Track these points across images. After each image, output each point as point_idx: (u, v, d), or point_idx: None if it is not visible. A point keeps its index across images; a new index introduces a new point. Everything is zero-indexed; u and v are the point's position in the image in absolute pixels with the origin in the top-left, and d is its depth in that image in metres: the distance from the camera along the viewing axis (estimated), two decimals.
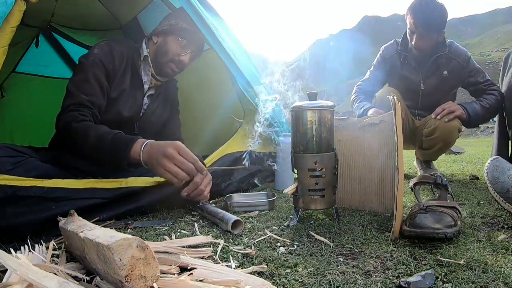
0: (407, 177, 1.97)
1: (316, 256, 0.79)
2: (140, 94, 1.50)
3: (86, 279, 0.64)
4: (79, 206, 1.06)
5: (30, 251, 0.76)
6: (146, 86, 1.52)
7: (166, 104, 1.65)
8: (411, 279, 0.63)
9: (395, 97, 0.98)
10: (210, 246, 0.87)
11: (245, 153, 1.63)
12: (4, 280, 0.59)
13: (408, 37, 1.98)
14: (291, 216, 1.14)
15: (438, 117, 1.81)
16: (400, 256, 0.77)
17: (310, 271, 0.71)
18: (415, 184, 1.14)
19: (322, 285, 0.64)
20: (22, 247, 0.78)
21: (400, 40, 2.07)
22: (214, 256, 0.81)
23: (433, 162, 2.18)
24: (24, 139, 2.34)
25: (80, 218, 0.81)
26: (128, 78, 1.45)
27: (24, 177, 1.01)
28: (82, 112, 1.25)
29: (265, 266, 0.73)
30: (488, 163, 1.17)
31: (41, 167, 1.12)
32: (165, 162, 1.07)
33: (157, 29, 1.52)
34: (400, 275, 0.68)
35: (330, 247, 0.85)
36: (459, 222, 0.91)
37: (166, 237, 0.97)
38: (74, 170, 1.23)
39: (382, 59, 2.16)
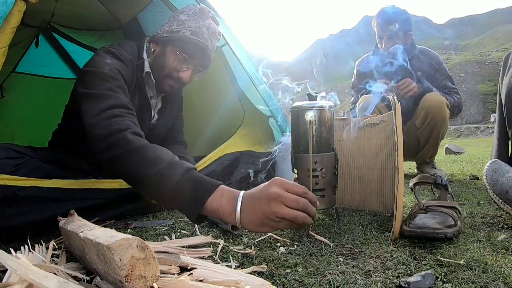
0: (407, 177, 1.98)
1: (316, 256, 0.79)
2: (147, 114, 1.35)
3: (86, 279, 0.64)
4: (79, 206, 1.06)
5: (30, 251, 0.76)
6: (153, 101, 1.36)
7: (172, 109, 1.51)
8: (411, 279, 0.63)
9: (395, 97, 0.98)
10: (210, 246, 0.87)
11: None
12: (4, 280, 0.59)
13: (379, 45, 2.15)
14: None
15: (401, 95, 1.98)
16: (400, 256, 0.77)
17: (310, 271, 0.70)
18: (415, 184, 1.14)
19: (322, 285, 0.64)
20: (22, 247, 0.78)
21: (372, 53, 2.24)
22: (214, 256, 0.81)
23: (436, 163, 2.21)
24: (24, 139, 2.34)
25: (80, 218, 0.81)
26: (137, 95, 1.28)
27: (25, 177, 1.00)
28: (131, 119, 0.98)
29: (265, 266, 0.73)
30: (487, 166, 1.17)
31: (42, 167, 1.12)
32: (276, 211, 0.72)
33: (157, 34, 1.31)
34: (400, 275, 0.68)
35: (330, 247, 0.85)
36: (459, 222, 0.91)
37: (166, 237, 0.97)
38: (75, 170, 1.23)
39: (358, 76, 2.34)
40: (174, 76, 1.28)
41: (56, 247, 0.82)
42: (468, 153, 4.27)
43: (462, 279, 0.64)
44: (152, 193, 0.86)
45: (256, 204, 0.74)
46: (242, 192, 0.77)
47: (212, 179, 0.82)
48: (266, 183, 0.77)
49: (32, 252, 0.75)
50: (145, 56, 1.29)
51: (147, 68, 1.28)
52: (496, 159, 1.20)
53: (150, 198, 0.98)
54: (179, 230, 1.06)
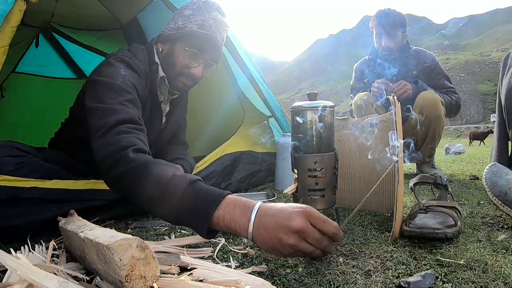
0: (407, 177, 1.98)
1: None
2: (158, 119, 1.34)
3: (86, 279, 0.64)
4: (80, 207, 1.06)
5: (30, 251, 0.76)
6: (163, 106, 1.35)
7: (180, 112, 1.49)
8: (411, 279, 0.63)
9: (395, 97, 0.98)
10: (209, 246, 0.87)
11: None
12: (4, 280, 0.59)
13: (377, 44, 2.20)
14: None
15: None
16: (400, 256, 0.77)
17: (310, 271, 0.70)
18: (415, 184, 1.14)
19: (322, 285, 0.64)
20: (22, 247, 0.78)
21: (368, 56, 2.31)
22: (214, 256, 0.81)
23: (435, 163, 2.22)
24: (24, 139, 2.32)
25: (80, 218, 0.81)
26: (149, 105, 1.26)
27: (25, 178, 1.00)
28: (137, 135, 0.95)
29: (265, 266, 0.73)
30: (487, 169, 1.18)
31: (44, 167, 1.11)
32: (293, 243, 0.67)
33: (163, 33, 1.27)
34: (400, 275, 0.68)
35: None
36: (459, 222, 0.91)
37: (166, 237, 0.97)
38: (76, 171, 1.23)
39: (356, 78, 2.38)
40: (186, 73, 1.24)
41: (56, 247, 0.82)
42: (468, 153, 4.27)
43: (462, 279, 0.64)
44: (160, 212, 0.80)
45: (274, 228, 0.67)
46: (258, 204, 0.71)
47: (219, 189, 0.76)
48: (293, 207, 0.69)
49: (32, 252, 0.75)
50: (157, 60, 1.26)
51: (161, 73, 1.25)
52: (495, 163, 1.20)
53: (160, 218, 0.90)
54: (179, 230, 1.06)
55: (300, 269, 0.72)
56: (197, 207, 0.73)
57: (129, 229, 1.08)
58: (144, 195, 0.80)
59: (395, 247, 0.83)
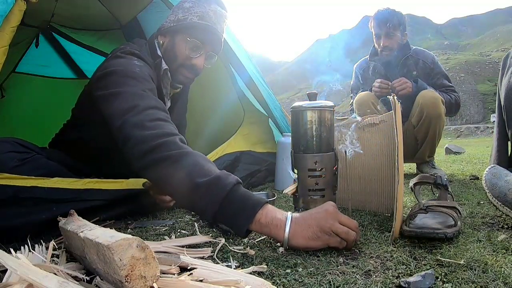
0: (407, 177, 1.98)
1: (317, 256, 0.79)
2: None
3: (86, 279, 0.64)
4: (80, 207, 1.06)
5: (30, 251, 0.76)
6: (166, 99, 1.35)
7: (180, 108, 1.51)
8: (411, 279, 0.63)
9: (395, 97, 0.98)
10: (209, 246, 0.87)
11: None
12: (4, 280, 0.59)
13: (376, 45, 2.21)
14: None
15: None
16: (400, 256, 0.77)
17: (310, 271, 0.70)
18: (415, 184, 1.14)
19: (322, 285, 0.64)
20: (22, 247, 0.78)
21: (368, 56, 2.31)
22: (214, 256, 0.81)
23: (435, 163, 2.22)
24: (24, 139, 2.35)
25: (80, 218, 0.81)
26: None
27: (27, 176, 1.00)
28: (174, 126, 0.93)
29: (265, 266, 0.73)
30: (486, 171, 1.18)
31: (48, 165, 1.12)
32: (330, 240, 0.79)
33: (164, 26, 1.28)
34: (400, 275, 0.68)
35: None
36: (459, 222, 0.91)
37: (166, 237, 0.97)
38: (76, 171, 1.23)
39: (356, 77, 2.39)
40: (187, 64, 1.25)
41: (56, 247, 0.82)
42: (468, 153, 4.27)
43: (462, 279, 0.64)
44: (199, 202, 0.81)
45: (311, 218, 0.79)
46: (288, 220, 0.79)
47: (255, 199, 0.82)
48: (319, 214, 0.81)
49: (32, 252, 0.76)
50: (160, 53, 1.26)
51: (164, 66, 1.25)
52: (495, 165, 1.21)
53: (188, 208, 0.93)
54: (179, 230, 1.06)
55: (300, 269, 0.72)
56: (244, 204, 0.79)
57: (129, 229, 1.08)
58: (187, 183, 0.80)
59: (395, 247, 0.83)
